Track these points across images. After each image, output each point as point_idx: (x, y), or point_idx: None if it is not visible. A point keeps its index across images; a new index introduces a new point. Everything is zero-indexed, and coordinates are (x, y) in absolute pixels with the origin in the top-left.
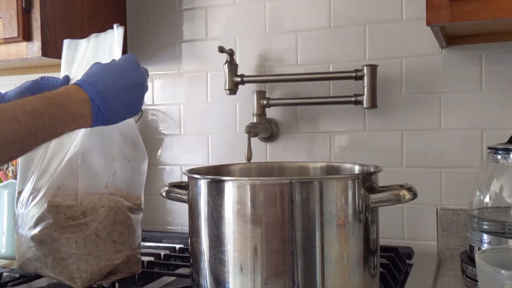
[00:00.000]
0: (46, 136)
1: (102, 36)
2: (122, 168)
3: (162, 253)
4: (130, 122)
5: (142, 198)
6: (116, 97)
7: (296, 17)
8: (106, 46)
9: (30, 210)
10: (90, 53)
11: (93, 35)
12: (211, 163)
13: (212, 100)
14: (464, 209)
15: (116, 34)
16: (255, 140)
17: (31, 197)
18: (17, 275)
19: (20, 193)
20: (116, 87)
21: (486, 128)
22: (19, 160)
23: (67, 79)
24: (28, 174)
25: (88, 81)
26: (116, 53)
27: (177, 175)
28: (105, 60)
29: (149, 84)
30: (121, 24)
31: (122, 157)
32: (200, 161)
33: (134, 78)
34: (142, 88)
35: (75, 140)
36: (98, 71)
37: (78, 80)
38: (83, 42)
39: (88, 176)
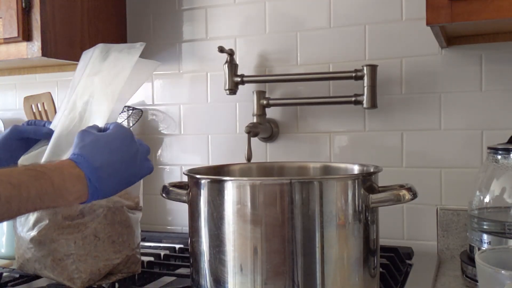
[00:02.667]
0: (30, 210)
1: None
2: None
3: (162, 253)
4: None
5: (141, 198)
6: (113, 173)
7: (296, 17)
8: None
9: None
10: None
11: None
12: (211, 163)
13: (212, 100)
14: (464, 209)
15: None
16: (255, 140)
17: None
18: (17, 275)
19: None
20: (113, 162)
21: (486, 128)
22: (19, 161)
23: (50, 131)
24: None
25: (83, 156)
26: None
27: (177, 175)
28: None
29: (149, 84)
30: (121, 24)
31: None
32: (200, 161)
33: (130, 151)
34: (136, 159)
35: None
36: (94, 144)
37: (73, 155)
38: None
39: None
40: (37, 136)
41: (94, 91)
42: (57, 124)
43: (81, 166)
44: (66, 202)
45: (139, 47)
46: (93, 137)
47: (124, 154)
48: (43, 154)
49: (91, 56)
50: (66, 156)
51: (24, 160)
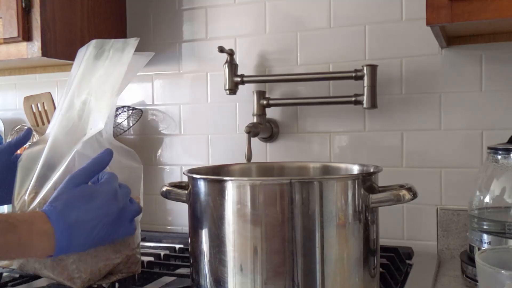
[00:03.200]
0: None
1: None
2: (119, 169)
3: (162, 253)
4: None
5: (141, 198)
6: (86, 231)
7: (296, 17)
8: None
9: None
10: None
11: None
12: (211, 163)
13: (212, 100)
14: (464, 209)
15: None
16: (255, 140)
17: (29, 199)
18: (17, 275)
19: (18, 194)
20: (88, 220)
21: (486, 128)
22: (18, 162)
23: (29, 132)
24: (28, 177)
25: (58, 210)
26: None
27: (177, 175)
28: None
29: (149, 84)
30: (121, 24)
31: (117, 160)
32: (200, 161)
33: (111, 209)
34: (117, 220)
35: (75, 145)
36: (73, 198)
37: (47, 207)
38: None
39: None
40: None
41: (91, 90)
42: (55, 124)
43: (52, 221)
44: (32, 256)
45: (134, 42)
46: (73, 190)
47: (103, 214)
48: (42, 155)
49: (85, 53)
50: (67, 156)
51: (23, 161)
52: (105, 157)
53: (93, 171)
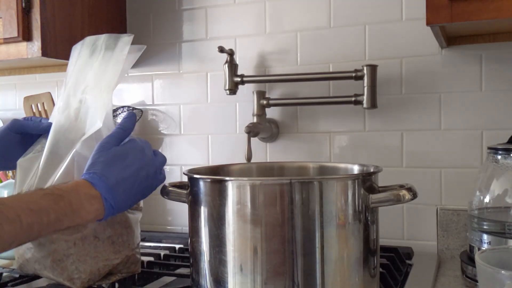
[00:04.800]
0: (49, 233)
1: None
2: None
3: (162, 253)
4: None
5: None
6: (127, 189)
7: (296, 17)
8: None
9: None
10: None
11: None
12: (211, 163)
13: (212, 100)
14: (464, 209)
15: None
16: (255, 140)
17: None
18: (17, 275)
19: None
20: (127, 178)
21: (486, 128)
22: (18, 162)
23: (49, 124)
24: (28, 177)
25: (98, 175)
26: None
27: (177, 175)
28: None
29: (149, 84)
30: (121, 24)
31: None
32: (200, 161)
33: (141, 164)
34: (150, 173)
35: (76, 147)
36: (108, 161)
37: (87, 173)
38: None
39: None
40: (37, 131)
41: (86, 88)
42: (53, 124)
43: (96, 186)
44: (84, 221)
45: (128, 38)
46: (106, 153)
47: (137, 169)
48: (41, 156)
49: (79, 51)
50: (66, 156)
51: (23, 161)
52: (129, 121)
53: (120, 136)
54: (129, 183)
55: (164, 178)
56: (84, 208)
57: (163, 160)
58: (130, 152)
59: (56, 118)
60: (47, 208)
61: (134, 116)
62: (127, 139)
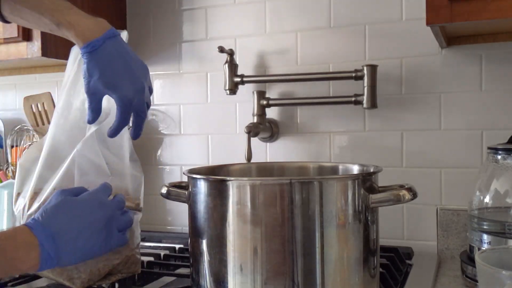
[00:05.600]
0: None
1: None
2: (119, 170)
3: (162, 253)
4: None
5: (141, 199)
6: (71, 240)
7: (296, 17)
8: None
9: (29, 212)
10: None
11: None
12: (211, 163)
13: (212, 100)
14: (464, 209)
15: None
16: (255, 140)
17: (30, 200)
18: (17, 275)
19: (18, 194)
20: (71, 229)
21: (486, 128)
22: (18, 162)
23: None
24: (28, 177)
25: (39, 221)
26: None
27: (177, 175)
28: None
29: None
30: (121, 24)
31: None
32: (200, 161)
33: (95, 217)
34: (104, 230)
35: (77, 147)
36: (52, 208)
37: (30, 220)
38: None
39: (86, 179)
40: None
41: None
42: (53, 124)
43: (35, 231)
44: (19, 271)
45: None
46: (55, 201)
47: (88, 222)
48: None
49: (78, 52)
50: (67, 156)
51: (23, 161)
52: (102, 187)
53: (77, 190)
54: (74, 236)
55: (125, 241)
56: (19, 257)
57: (129, 222)
58: (81, 205)
59: (56, 118)
60: None
61: (109, 188)
62: (91, 190)
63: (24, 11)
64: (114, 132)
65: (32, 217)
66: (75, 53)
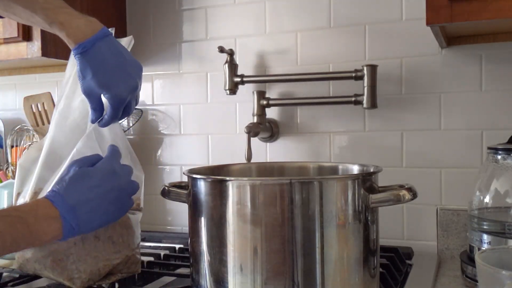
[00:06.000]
0: (5, 255)
1: None
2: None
3: (162, 253)
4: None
5: (142, 199)
6: (91, 210)
7: (296, 17)
8: None
9: None
10: None
11: None
12: (211, 163)
13: (212, 100)
14: (464, 209)
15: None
16: (255, 140)
17: (30, 199)
18: (17, 275)
19: (18, 194)
20: (91, 199)
21: (486, 128)
22: (18, 162)
23: None
24: (28, 177)
25: (60, 193)
26: None
27: (177, 175)
28: None
29: (149, 84)
30: (121, 24)
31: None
32: (200, 161)
33: (111, 186)
34: (117, 197)
35: (76, 146)
36: (71, 180)
37: (49, 192)
38: None
39: None
40: None
41: None
42: (53, 124)
43: (56, 204)
44: (42, 242)
45: (127, 39)
46: (73, 172)
47: (104, 191)
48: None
49: None
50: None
51: (23, 161)
52: (112, 152)
53: (95, 158)
54: (94, 204)
55: (132, 204)
56: (42, 229)
57: (136, 187)
58: (97, 174)
59: (56, 118)
60: (3, 232)
61: (118, 152)
62: (104, 158)
63: (17, 9)
64: (105, 124)
65: (52, 188)
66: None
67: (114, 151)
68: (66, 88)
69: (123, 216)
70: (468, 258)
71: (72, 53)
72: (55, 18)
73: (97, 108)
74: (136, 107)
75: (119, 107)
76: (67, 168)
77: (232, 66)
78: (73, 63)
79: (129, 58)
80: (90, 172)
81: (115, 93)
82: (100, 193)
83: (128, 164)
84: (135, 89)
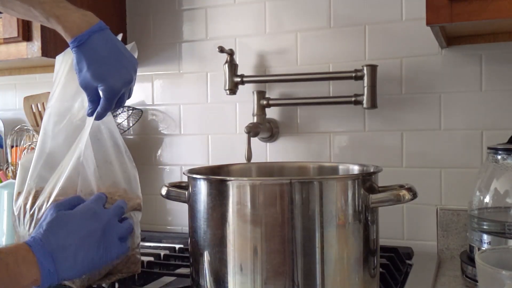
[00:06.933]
0: None
1: None
2: (119, 170)
3: (162, 253)
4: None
5: (140, 196)
6: (70, 256)
7: (296, 17)
8: None
9: (30, 211)
10: None
11: None
12: (211, 163)
13: (212, 100)
14: (464, 209)
15: None
16: (255, 140)
17: (31, 199)
18: None
19: (19, 194)
20: (68, 244)
21: (486, 128)
22: (19, 161)
23: None
24: (28, 177)
25: (37, 238)
26: None
27: (177, 175)
28: None
29: (149, 84)
30: (121, 24)
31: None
32: (200, 161)
33: (90, 230)
34: (102, 241)
35: (78, 146)
36: (49, 225)
37: (29, 238)
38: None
39: (88, 179)
40: None
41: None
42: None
43: (34, 249)
44: (21, 286)
45: (130, 46)
46: (51, 216)
47: (83, 236)
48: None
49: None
50: (67, 155)
51: (23, 161)
52: (97, 198)
53: (71, 201)
54: (72, 250)
55: (127, 249)
56: (20, 273)
57: (130, 229)
58: (75, 218)
59: (53, 119)
60: None
61: (103, 197)
62: (84, 203)
63: (16, 3)
64: (99, 117)
65: (32, 234)
66: (60, 60)
67: (98, 197)
68: (57, 89)
69: (114, 261)
70: (468, 258)
71: (57, 61)
72: (52, 12)
73: (95, 100)
74: (136, 107)
75: (113, 99)
76: (47, 213)
77: (232, 66)
78: (63, 61)
79: (125, 52)
80: (68, 216)
81: (109, 85)
82: (79, 237)
83: (124, 162)
84: (130, 82)
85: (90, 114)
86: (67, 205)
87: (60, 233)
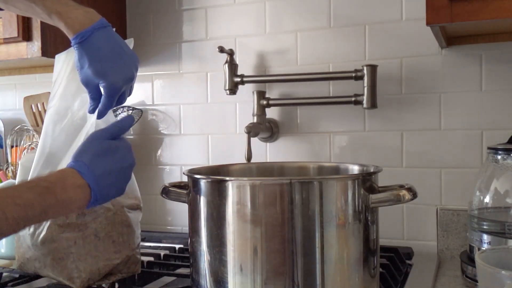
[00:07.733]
0: (34, 224)
1: None
2: None
3: (162, 253)
4: None
5: (140, 198)
6: (111, 184)
7: (296, 17)
8: None
9: None
10: None
11: None
12: (211, 163)
13: (212, 100)
14: (464, 209)
15: None
16: (255, 140)
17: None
18: (17, 275)
19: None
20: (113, 173)
21: (486, 128)
22: (19, 161)
23: None
24: (28, 177)
25: (86, 164)
26: None
27: (177, 175)
28: None
29: (149, 84)
30: (121, 24)
31: None
32: (200, 161)
33: (129, 163)
34: (128, 172)
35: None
36: (96, 153)
37: (76, 162)
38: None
39: None
40: None
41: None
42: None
43: (84, 175)
44: (69, 211)
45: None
46: (97, 144)
47: (124, 166)
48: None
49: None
50: (67, 155)
51: (24, 161)
52: (127, 121)
53: (114, 132)
54: (114, 177)
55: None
56: (70, 198)
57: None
58: (121, 149)
59: (54, 118)
60: (32, 202)
61: (133, 119)
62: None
63: (17, 0)
64: (100, 115)
65: (75, 158)
66: (62, 59)
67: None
68: (60, 89)
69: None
70: (468, 258)
71: (56, 61)
72: (54, 8)
73: (96, 97)
74: (136, 107)
75: (114, 96)
76: (91, 139)
77: (232, 66)
78: (65, 61)
79: (127, 50)
80: (114, 147)
81: (110, 81)
82: (120, 167)
83: None
84: (131, 79)
85: (92, 112)
86: (108, 134)
87: (107, 161)
